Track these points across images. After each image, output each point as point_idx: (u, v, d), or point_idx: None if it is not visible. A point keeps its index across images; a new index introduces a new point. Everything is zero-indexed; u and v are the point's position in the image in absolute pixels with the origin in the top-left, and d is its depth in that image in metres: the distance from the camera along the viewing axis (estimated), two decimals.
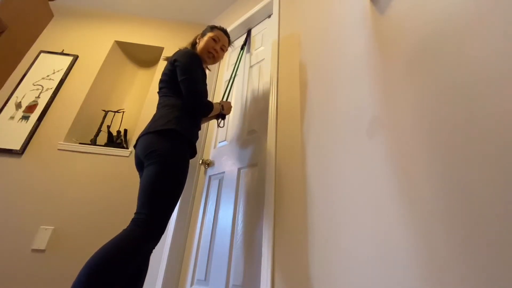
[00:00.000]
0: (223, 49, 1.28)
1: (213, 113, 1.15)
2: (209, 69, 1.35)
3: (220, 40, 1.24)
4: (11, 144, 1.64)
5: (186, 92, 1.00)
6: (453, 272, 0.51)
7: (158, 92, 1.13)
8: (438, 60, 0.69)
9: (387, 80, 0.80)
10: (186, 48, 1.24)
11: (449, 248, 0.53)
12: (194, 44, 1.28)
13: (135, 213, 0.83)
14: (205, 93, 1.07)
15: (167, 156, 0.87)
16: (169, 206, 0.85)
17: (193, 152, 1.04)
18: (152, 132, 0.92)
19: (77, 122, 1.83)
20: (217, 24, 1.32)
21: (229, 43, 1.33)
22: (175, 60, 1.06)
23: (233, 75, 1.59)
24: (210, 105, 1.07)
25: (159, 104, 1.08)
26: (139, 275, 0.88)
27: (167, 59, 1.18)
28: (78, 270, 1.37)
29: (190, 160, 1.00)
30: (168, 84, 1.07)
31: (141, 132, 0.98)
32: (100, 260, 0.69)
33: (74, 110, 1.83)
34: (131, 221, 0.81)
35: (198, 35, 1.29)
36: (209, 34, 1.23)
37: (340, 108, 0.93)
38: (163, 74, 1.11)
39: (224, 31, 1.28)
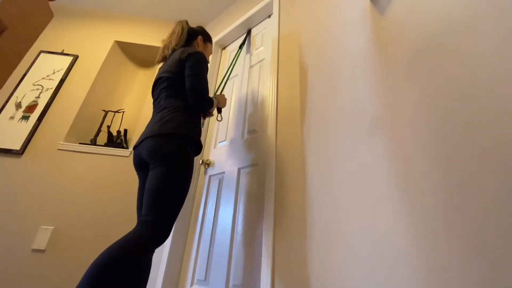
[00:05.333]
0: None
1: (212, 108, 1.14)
2: None
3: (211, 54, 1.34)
4: (11, 144, 1.64)
5: (192, 86, 0.99)
6: (452, 272, 0.51)
7: (160, 92, 1.06)
8: (438, 60, 0.69)
9: (387, 80, 0.80)
10: (192, 47, 1.22)
11: (448, 248, 0.53)
12: (190, 40, 1.23)
13: (142, 215, 0.81)
14: (208, 90, 1.08)
15: (175, 158, 0.86)
16: (177, 208, 0.85)
17: (198, 148, 1.02)
18: (160, 134, 0.89)
19: (77, 122, 1.83)
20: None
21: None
22: (187, 57, 1.04)
23: (229, 71, 1.61)
24: (211, 101, 1.07)
25: (161, 105, 1.02)
26: (144, 275, 0.88)
27: (164, 59, 1.16)
28: (78, 270, 1.39)
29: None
30: (173, 82, 1.03)
31: (146, 133, 0.93)
32: (109, 260, 0.68)
33: (74, 110, 1.83)
34: (139, 223, 0.80)
35: (199, 36, 1.26)
36: (210, 47, 1.32)
37: (340, 108, 0.93)
38: (168, 72, 1.04)
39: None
